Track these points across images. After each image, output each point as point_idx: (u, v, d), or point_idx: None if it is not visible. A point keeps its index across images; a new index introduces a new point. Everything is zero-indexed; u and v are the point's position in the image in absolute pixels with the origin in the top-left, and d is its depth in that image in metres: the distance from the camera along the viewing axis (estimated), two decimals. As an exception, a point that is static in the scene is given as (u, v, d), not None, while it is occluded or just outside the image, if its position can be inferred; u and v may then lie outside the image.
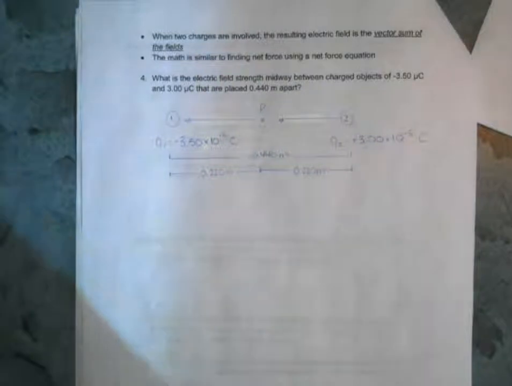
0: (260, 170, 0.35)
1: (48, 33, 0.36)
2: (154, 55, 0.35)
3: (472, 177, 0.35)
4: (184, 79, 0.35)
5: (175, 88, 0.35)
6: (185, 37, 0.35)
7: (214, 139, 0.35)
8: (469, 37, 0.35)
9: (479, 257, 0.35)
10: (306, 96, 0.35)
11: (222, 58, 0.35)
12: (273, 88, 0.35)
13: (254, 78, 0.35)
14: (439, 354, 0.34)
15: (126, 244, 0.35)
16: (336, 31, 0.35)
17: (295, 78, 0.35)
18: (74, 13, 0.35)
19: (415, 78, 0.35)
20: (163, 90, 0.35)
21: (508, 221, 0.35)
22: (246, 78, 0.35)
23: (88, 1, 0.35)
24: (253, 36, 0.35)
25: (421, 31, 0.35)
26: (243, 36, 0.35)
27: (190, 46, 0.35)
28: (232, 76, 0.35)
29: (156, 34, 0.35)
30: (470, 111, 0.35)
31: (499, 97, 0.35)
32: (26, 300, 0.36)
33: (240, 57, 0.35)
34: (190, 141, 0.35)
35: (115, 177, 0.35)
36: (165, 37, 0.35)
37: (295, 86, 0.35)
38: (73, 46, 0.35)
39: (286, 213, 0.35)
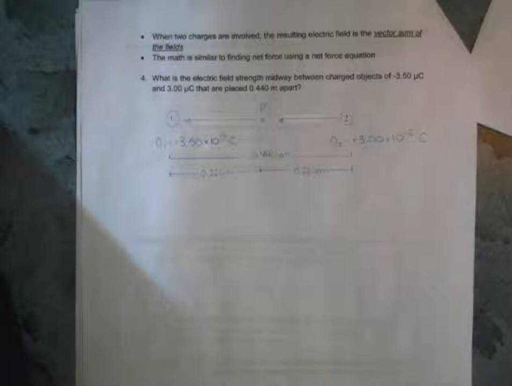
0: (260, 170, 0.35)
1: (48, 33, 0.35)
2: (154, 55, 0.35)
3: (472, 177, 0.35)
4: (184, 79, 0.35)
5: (175, 88, 0.35)
6: (185, 37, 0.35)
7: (214, 139, 0.35)
8: (469, 37, 0.35)
9: (479, 257, 0.35)
10: (306, 96, 0.35)
11: (222, 58, 0.35)
12: (273, 88, 0.35)
13: (254, 78, 0.35)
14: (439, 354, 0.34)
15: (126, 244, 0.35)
16: (336, 31, 0.35)
17: (295, 78, 0.35)
18: (74, 13, 0.35)
19: (415, 78, 0.35)
20: (163, 90, 0.35)
21: (508, 221, 0.35)
22: (246, 78, 0.35)
23: (88, 1, 0.35)
24: (253, 36, 0.35)
25: (421, 31, 0.35)
26: (243, 36, 0.35)
27: (190, 46, 0.35)
28: (232, 76, 0.35)
29: (156, 34, 0.35)
30: (470, 111, 0.35)
31: (499, 97, 0.35)
32: (26, 300, 0.36)
33: (240, 57, 0.35)
34: (190, 141, 0.35)
35: (115, 177, 0.35)
36: (165, 37, 0.35)
37: (295, 86, 0.35)
38: (73, 46, 0.35)
39: (286, 213, 0.35)
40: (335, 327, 0.35)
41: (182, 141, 0.35)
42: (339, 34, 0.35)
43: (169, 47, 0.35)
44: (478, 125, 0.35)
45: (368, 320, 0.35)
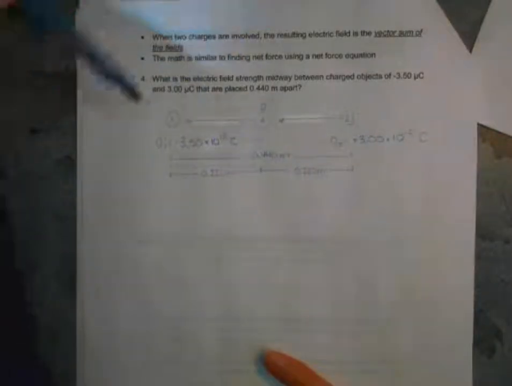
0: (261, 170, 0.35)
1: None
2: (154, 56, 0.35)
3: (472, 177, 0.35)
4: (184, 79, 0.35)
5: (176, 89, 0.35)
6: (185, 37, 0.35)
7: (214, 139, 0.35)
8: (469, 37, 0.35)
9: (479, 257, 0.35)
10: (306, 96, 0.35)
11: (222, 58, 0.35)
12: (274, 88, 0.35)
13: (254, 78, 0.35)
14: (439, 354, 0.35)
15: (126, 244, 0.35)
16: (336, 31, 0.35)
17: (296, 78, 0.35)
18: (74, 13, 0.35)
19: (415, 78, 0.35)
20: (164, 90, 0.35)
21: (508, 221, 0.35)
22: (246, 78, 0.35)
23: (88, 1, 0.35)
24: (253, 36, 0.35)
25: (421, 31, 0.35)
26: (243, 36, 0.35)
27: (190, 47, 0.35)
28: (232, 76, 0.35)
29: (156, 35, 0.35)
30: (470, 111, 0.35)
31: (499, 97, 0.35)
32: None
33: (240, 57, 0.35)
34: (190, 142, 0.35)
35: (115, 177, 0.35)
36: (165, 37, 0.35)
37: (296, 86, 0.35)
38: (73, 46, 0.35)
39: (287, 213, 0.35)
40: (335, 327, 0.35)
41: (183, 141, 0.35)
42: (339, 34, 0.35)
43: (169, 48, 0.35)
44: (479, 125, 0.35)
45: (369, 320, 0.35)
